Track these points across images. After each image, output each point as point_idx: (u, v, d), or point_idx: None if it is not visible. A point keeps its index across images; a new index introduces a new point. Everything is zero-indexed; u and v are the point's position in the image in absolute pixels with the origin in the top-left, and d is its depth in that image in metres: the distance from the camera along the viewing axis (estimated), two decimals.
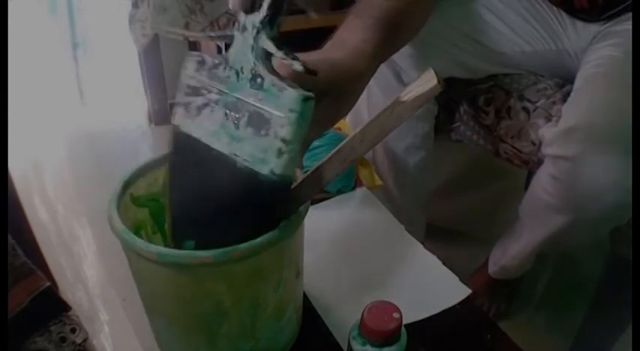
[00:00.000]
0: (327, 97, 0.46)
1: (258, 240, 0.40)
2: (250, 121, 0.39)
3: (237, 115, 0.39)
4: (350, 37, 0.51)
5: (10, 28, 0.50)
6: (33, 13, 0.97)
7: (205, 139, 0.41)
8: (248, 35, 0.37)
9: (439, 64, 0.84)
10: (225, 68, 0.39)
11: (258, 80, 0.38)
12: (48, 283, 0.47)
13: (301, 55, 0.46)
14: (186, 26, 1.09)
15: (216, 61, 0.40)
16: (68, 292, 0.58)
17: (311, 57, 0.46)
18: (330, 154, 0.41)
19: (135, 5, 1.09)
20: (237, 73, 0.39)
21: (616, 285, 0.89)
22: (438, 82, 0.36)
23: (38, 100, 0.90)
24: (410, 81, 0.86)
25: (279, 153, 0.38)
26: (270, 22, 0.37)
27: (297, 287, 0.50)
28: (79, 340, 0.49)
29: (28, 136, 0.82)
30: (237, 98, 0.39)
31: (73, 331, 0.49)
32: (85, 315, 0.54)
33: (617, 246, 0.83)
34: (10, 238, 0.45)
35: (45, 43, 1.01)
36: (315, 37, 0.54)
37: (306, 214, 0.44)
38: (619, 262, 0.86)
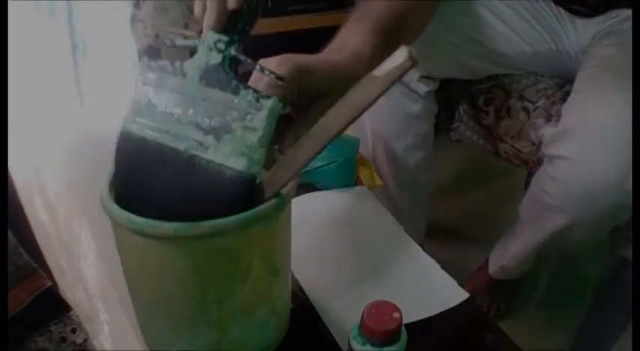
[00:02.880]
0: (325, 97, 0.46)
1: (223, 220, 0.39)
2: (219, 122, 0.41)
3: (202, 117, 0.41)
4: (349, 41, 0.51)
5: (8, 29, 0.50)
6: (30, 15, 0.97)
7: (161, 139, 0.42)
8: (215, 50, 0.41)
9: (439, 65, 0.85)
10: (180, 74, 0.42)
11: (232, 86, 0.41)
12: (50, 283, 0.47)
13: (302, 57, 0.46)
14: (186, 27, 1.10)
15: (169, 67, 0.43)
16: (68, 292, 0.58)
17: (310, 59, 0.47)
18: (305, 136, 0.42)
19: (136, 5, 1.09)
20: (201, 79, 0.42)
21: (616, 285, 0.89)
22: (410, 58, 0.38)
23: (37, 101, 0.90)
24: (409, 81, 0.87)
25: (253, 149, 0.40)
26: (240, 40, 0.42)
27: (273, 287, 0.48)
28: (79, 341, 0.49)
29: (29, 138, 0.82)
30: (204, 100, 0.42)
31: (74, 331, 0.49)
32: (85, 315, 0.54)
33: (617, 246, 0.83)
34: (12, 238, 0.45)
35: (43, 44, 1.00)
36: (315, 37, 0.54)
37: (284, 207, 0.44)
38: (619, 262, 0.86)
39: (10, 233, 0.45)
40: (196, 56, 0.42)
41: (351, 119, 0.41)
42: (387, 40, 0.53)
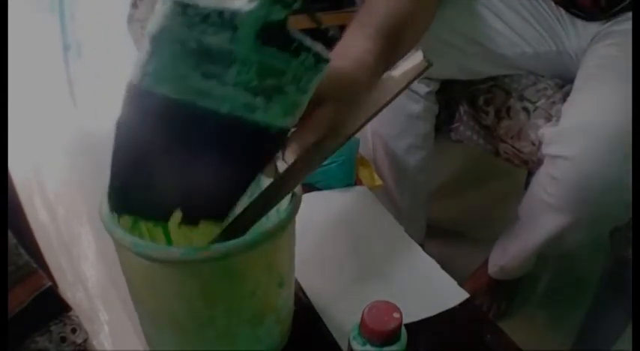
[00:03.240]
0: (327, 104, 0.46)
1: (229, 243, 0.39)
2: (271, 84, 0.38)
3: (254, 78, 0.38)
4: (352, 48, 0.51)
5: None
6: (22, 14, 0.96)
7: (196, 100, 0.37)
8: (280, 4, 0.36)
9: (440, 66, 0.84)
10: (230, 28, 0.36)
11: (294, 47, 0.37)
12: (49, 283, 0.47)
13: None
14: None
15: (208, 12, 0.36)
16: (68, 292, 0.58)
17: None
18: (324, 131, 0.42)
19: (134, 5, 1.09)
20: (257, 37, 0.36)
21: (616, 285, 0.89)
22: (425, 60, 0.40)
23: (33, 102, 0.90)
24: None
25: (299, 109, 0.40)
26: None
27: (279, 297, 0.48)
28: (79, 341, 0.49)
29: (29, 138, 0.82)
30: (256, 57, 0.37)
31: (74, 331, 0.49)
32: (85, 315, 0.54)
33: (617, 246, 0.83)
34: (12, 238, 0.45)
35: (35, 44, 1.00)
36: (315, 37, 0.54)
37: (289, 224, 0.43)
38: (619, 262, 0.86)
39: (10, 233, 0.45)
40: (252, 9, 0.35)
41: (369, 117, 0.41)
42: (390, 45, 0.53)
